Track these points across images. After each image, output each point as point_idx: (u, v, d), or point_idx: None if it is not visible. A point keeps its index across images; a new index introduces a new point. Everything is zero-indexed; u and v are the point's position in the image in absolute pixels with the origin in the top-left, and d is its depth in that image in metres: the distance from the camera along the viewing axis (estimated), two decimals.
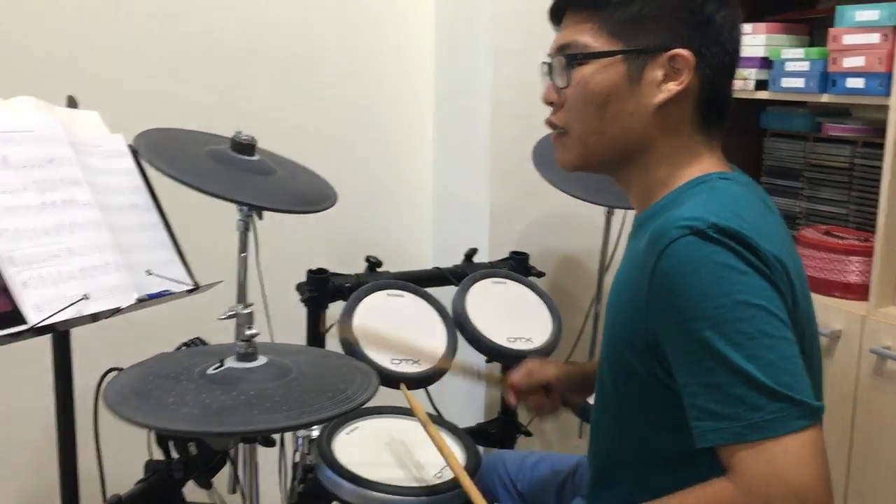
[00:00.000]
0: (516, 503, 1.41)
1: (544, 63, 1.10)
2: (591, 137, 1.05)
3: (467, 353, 1.72)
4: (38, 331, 1.16)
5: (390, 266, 1.89)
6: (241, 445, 1.51)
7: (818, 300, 1.73)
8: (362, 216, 2.34)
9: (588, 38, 1.03)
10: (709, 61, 1.01)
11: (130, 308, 1.30)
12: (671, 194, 1.03)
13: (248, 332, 1.21)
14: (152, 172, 1.50)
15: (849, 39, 1.77)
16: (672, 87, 1.00)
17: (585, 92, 1.03)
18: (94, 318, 1.25)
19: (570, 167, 1.10)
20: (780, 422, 0.85)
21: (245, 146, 1.62)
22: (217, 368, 1.20)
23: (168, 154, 1.52)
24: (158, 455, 1.47)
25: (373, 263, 1.85)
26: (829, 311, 1.75)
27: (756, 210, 0.98)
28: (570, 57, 1.03)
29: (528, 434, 2.05)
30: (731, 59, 1.04)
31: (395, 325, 1.65)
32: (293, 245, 2.17)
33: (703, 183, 1.01)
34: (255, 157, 1.64)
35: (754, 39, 2.00)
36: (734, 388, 0.86)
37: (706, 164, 1.04)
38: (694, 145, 1.04)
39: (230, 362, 1.22)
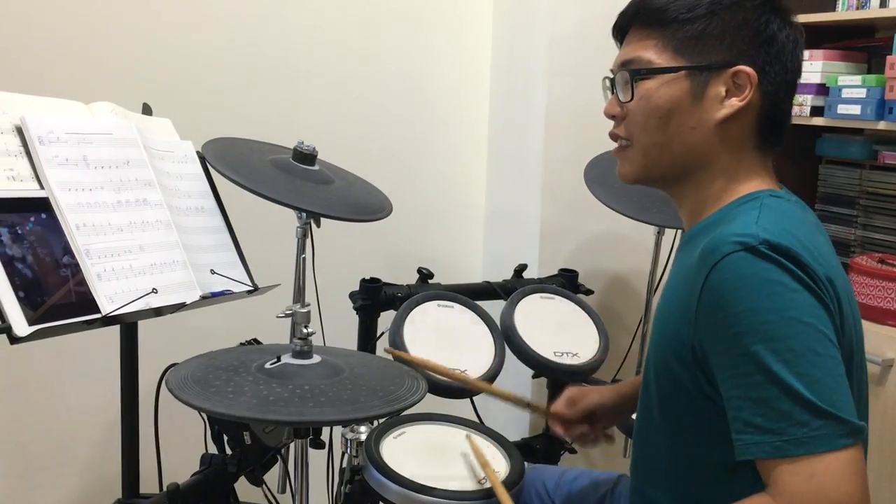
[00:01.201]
0: None
1: (606, 78, 1.12)
2: (654, 151, 1.07)
3: (514, 366, 1.75)
4: (108, 320, 1.22)
5: (441, 279, 1.93)
6: (292, 446, 1.55)
7: (871, 328, 1.71)
8: (415, 230, 2.39)
9: (652, 54, 1.05)
10: (771, 79, 1.03)
11: (194, 304, 1.36)
12: (722, 210, 1.05)
13: (304, 331, 1.26)
14: (218, 178, 1.57)
15: None
16: (734, 103, 1.02)
17: (648, 106, 1.05)
18: (159, 312, 1.32)
19: (631, 179, 1.11)
20: (824, 439, 0.85)
21: (306, 156, 1.68)
22: (274, 364, 1.25)
23: (233, 161, 1.58)
24: (213, 451, 1.53)
25: (424, 275, 1.89)
26: (881, 340, 1.73)
27: (806, 228, 0.99)
28: (633, 72, 1.05)
29: (573, 451, 2.06)
30: (792, 77, 1.06)
31: (445, 335, 1.69)
32: (348, 255, 2.23)
33: (753, 199, 1.02)
34: (315, 168, 1.70)
35: (811, 66, 2.00)
36: (780, 403, 0.87)
37: (758, 182, 1.06)
38: (750, 162, 1.06)
39: (286, 359, 1.27)
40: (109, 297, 1.23)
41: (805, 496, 0.85)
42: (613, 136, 1.12)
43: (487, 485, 1.37)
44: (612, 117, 1.11)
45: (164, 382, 1.20)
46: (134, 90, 1.81)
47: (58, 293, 1.17)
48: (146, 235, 1.34)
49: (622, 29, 1.11)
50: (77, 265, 1.22)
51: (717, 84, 1.02)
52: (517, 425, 2.29)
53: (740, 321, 0.89)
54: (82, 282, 1.21)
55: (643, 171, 1.09)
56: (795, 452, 0.86)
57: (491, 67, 2.44)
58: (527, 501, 1.43)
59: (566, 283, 2.02)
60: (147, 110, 1.58)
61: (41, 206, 1.23)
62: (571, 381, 1.98)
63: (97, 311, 1.21)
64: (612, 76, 1.11)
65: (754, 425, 0.88)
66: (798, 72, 1.06)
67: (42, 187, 1.24)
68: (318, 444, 1.55)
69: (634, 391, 1.38)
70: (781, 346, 0.87)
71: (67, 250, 1.22)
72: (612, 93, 1.11)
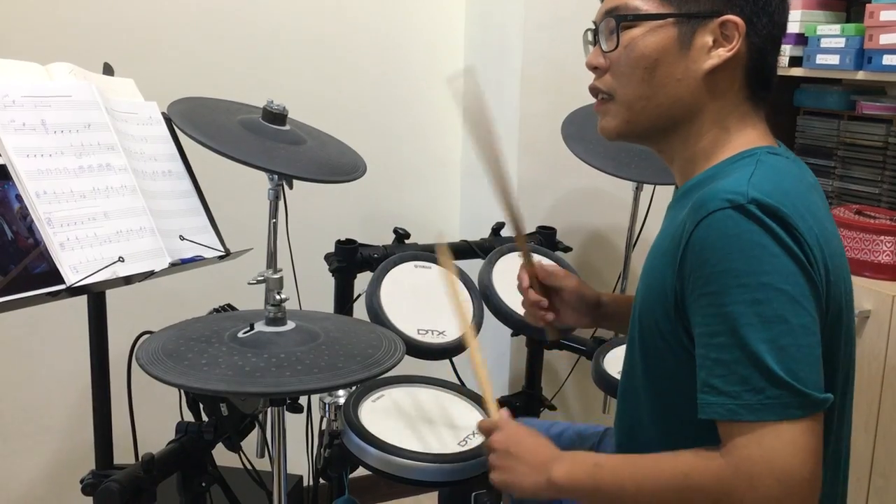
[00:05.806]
0: None
1: (588, 30, 1.09)
2: (639, 103, 1.04)
3: (493, 326, 1.74)
4: (74, 291, 1.18)
5: (418, 238, 1.91)
6: (269, 410, 1.53)
7: None
8: (391, 189, 2.35)
9: (638, 1, 1.02)
10: (758, 30, 1.01)
11: (163, 272, 1.33)
12: (716, 166, 1.02)
13: (277, 297, 1.23)
14: (186, 140, 1.52)
15: (886, 15, 1.74)
16: (722, 53, 1.00)
17: (634, 55, 1.02)
18: (128, 280, 1.28)
19: (614, 135, 1.08)
20: (777, 408, 0.86)
21: (276, 116, 1.64)
22: (247, 332, 1.22)
23: (201, 122, 1.54)
24: (189, 417, 1.51)
25: (401, 235, 1.86)
26: (859, 292, 1.71)
27: (800, 188, 0.97)
28: (620, 17, 1.03)
29: (553, 408, 2.07)
30: (779, 32, 1.04)
31: (422, 296, 1.67)
32: (322, 216, 2.19)
33: (750, 156, 1.00)
34: (286, 127, 1.66)
35: (790, 15, 1.97)
36: (740, 368, 0.87)
37: (753, 136, 1.04)
38: (740, 114, 1.04)
39: (260, 326, 1.24)
40: (74, 266, 1.19)
41: (751, 461, 0.86)
42: (594, 91, 1.09)
43: (467, 447, 1.37)
44: (594, 69, 1.08)
45: (134, 357, 1.17)
46: (94, 49, 1.74)
47: (20, 264, 1.13)
48: (111, 202, 1.29)
49: None
50: (39, 234, 1.17)
51: (705, 33, 1.00)
52: (497, 385, 2.29)
53: (716, 281, 0.89)
54: (45, 251, 1.17)
55: (627, 126, 1.06)
56: (747, 418, 0.87)
57: (465, 21, 2.38)
58: None
59: (544, 241, 2.00)
60: (108, 70, 1.53)
61: None
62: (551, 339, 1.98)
63: (61, 281, 1.17)
64: (594, 27, 1.07)
65: (711, 385, 0.90)
66: (784, 27, 1.04)
67: None
68: (296, 409, 1.54)
69: (615, 306, 1.33)
70: (752, 311, 0.87)
71: (28, 219, 1.18)
72: (595, 45, 1.07)
